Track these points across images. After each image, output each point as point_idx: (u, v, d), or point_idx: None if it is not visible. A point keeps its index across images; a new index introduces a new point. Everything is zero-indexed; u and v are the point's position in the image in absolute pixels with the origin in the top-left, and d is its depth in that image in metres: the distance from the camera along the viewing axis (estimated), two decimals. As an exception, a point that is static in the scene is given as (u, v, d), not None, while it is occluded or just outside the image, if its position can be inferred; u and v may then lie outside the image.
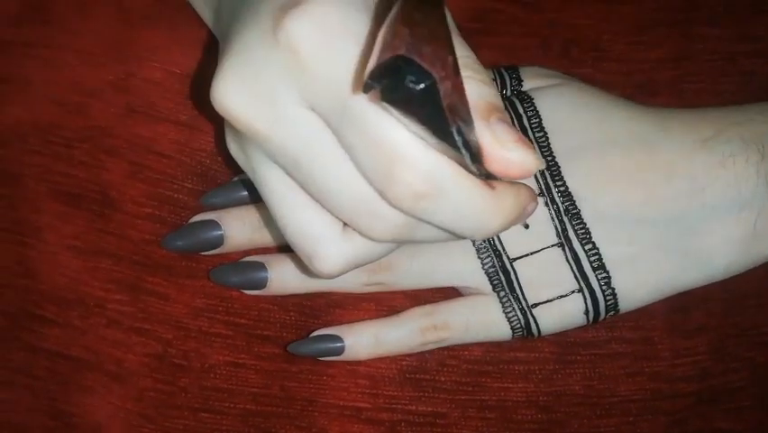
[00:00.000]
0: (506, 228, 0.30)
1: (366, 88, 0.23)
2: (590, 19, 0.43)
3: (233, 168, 0.41)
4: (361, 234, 0.30)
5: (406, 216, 0.29)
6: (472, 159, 0.27)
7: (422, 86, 0.23)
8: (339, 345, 0.39)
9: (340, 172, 0.29)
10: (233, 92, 0.29)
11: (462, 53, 0.29)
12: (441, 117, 0.24)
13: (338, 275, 0.32)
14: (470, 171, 0.28)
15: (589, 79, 0.41)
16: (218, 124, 0.40)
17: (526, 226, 0.38)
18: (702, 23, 0.43)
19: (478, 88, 0.28)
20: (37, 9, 0.41)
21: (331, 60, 0.27)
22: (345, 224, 0.31)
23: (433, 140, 0.27)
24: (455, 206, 0.28)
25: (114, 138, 0.40)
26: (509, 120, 0.29)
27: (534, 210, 0.31)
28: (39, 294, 0.40)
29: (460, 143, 0.26)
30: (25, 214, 0.40)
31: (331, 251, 0.31)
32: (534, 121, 0.38)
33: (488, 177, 0.29)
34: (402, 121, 0.27)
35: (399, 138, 0.27)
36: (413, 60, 0.22)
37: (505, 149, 0.28)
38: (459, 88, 0.25)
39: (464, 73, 0.27)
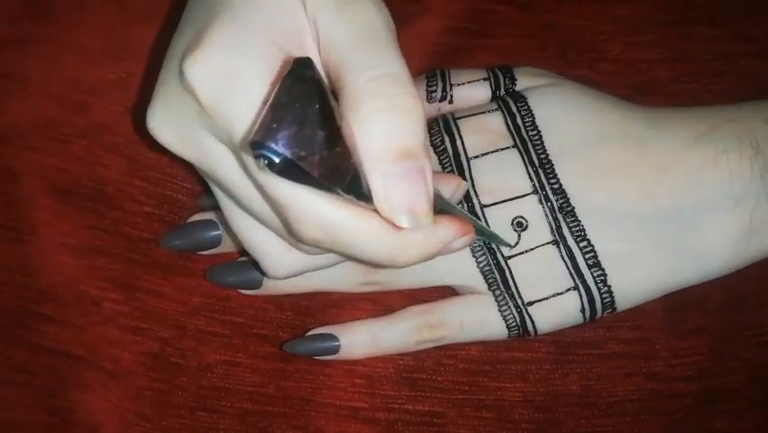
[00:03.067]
0: (424, 260, 0.30)
1: (255, 156, 0.25)
2: (587, 20, 0.43)
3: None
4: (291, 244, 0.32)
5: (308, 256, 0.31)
6: (369, 202, 0.28)
7: (281, 164, 0.24)
8: (335, 344, 0.39)
9: (251, 200, 0.30)
10: (161, 123, 0.31)
11: (377, 72, 0.28)
12: (316, 184, 0.26)
13: (288, 278, 0.34)
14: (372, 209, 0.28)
15: (586, 80, 0.41)
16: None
17: (521, 226, 0.38)
18: (698, 23, 0.43)
19: (383, 125, 0.27)
20: (38, 7, 0.42)
21: (225, 107, 0.28)
22: None
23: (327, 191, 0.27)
24: (357, 248, 0.29)
25: (113, 135, 0.41)
26: (420, 165, 0.27)
27: (465, 243, 0.31)
28: (37, 291, 0.40)
29: (350, 198, 0.27)
30: (23, 211, 0.40)
31: (277, 262, 0.33)
32: (528, 120, 0.39)
33: None
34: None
35: (288, 194, 0.28)
36: (269, 144, 0.24)
37: (392, 213, 0.28)
38: (335, 156, 0.26)
39: (373, 105, 0.27)
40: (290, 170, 0.25)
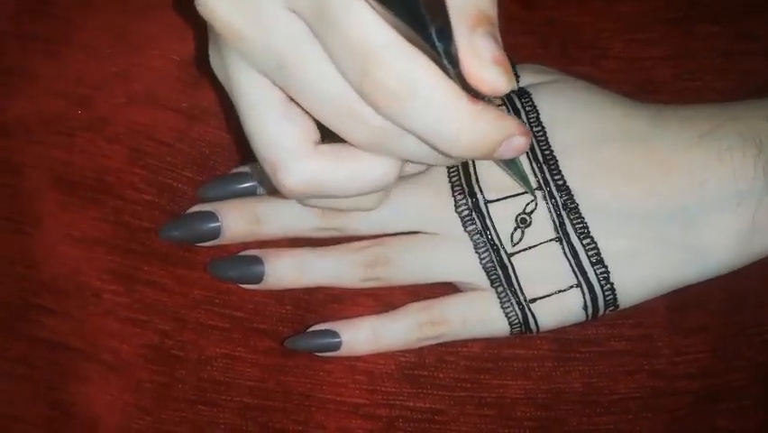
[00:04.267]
0: (485, 149, 0.29)
1: None
2: (589, 17, 0.43)
3: (232, 157, 0.41)
4: (342, 136, 0.30)
5: (385, 121, 0.29)
6: (451, 64, 0.27)
7: None
8: (336, 340, 0.39)
9: (321, 73, 0.29)
10: None
11: None
12: (418, 13, 0.25)
13: (299, 194, 0.32)
14: (452, 78, 0.28)
15: (589, 77, 0.41)
16: (221, 110, 0.41)
17: (525, 222, 0.38)
18: (701, 20, 0.43)
19: None
20: (42, 2, 0.42)
21: None
22: (317, 143, 0.31)
23: (413, 37, 0.27)
24: (429, 109, 0.28)
25: (114, 126, 0.41)
26: (496, 34, 0.28)
27: (522, 147, 0.30)
28: (38, 284, 0.40)
29: (439, 47, 0.26)
30: (26, 203, 0.40)
31: (296, 164, 0.31)
32: (533, 116, 0.39)
33: (472, 91, 0.29)
34: (383, 16, 0.27)
35: (375, 35, 0.27)
36: None
37: (481, 65, 0.27)
38: None
39: None
40: None
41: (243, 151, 0.41)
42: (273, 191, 0.37)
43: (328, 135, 0.31)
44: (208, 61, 0.33)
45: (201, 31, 0.40)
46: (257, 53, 0.30)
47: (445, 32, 0.27)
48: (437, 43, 0.26)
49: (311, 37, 0.28)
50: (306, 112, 0.31)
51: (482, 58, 0.27)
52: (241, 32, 0.29)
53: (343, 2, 0.27)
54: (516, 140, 0.29)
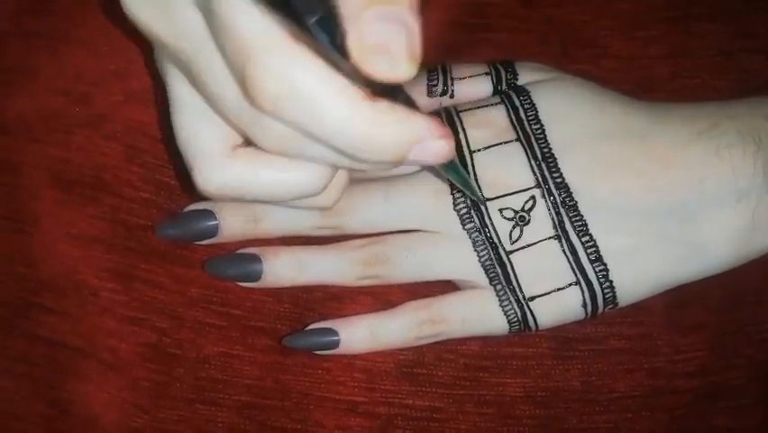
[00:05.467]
0: (393, 153, 0.27)
1: None
2: (588, 15, 0.43)
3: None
4: (251, 140, 0.30)
5: (284, 125, 0.28)
6: (342, 56, 0.25)
7: None
8: (334, 338, 0.39)
9: (221, 74, 0.28)
10: (139, 2, 0.29)
11: None
12: (287, 4, 0.23)
13: (214, 196, 0.31)
14: (348, 75, 0.25)
15: (587, 75, 0.41)
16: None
17: (523, 220, 0.38)
18: (700, 19, 0.43)
19: None
20: (42, 1, 0.42)
21: None
22: (237, 146, 0.31)
23: (299, 33, 0.25)
24: (320, 113, 0.26)
25: (112, 123, 0.40)
26: (400, 15, 0.25)
27: (442, 152, 0.28)
28: (37, 282, 0.40)
29: (321, 39, 0.24)
30: (25, 202, 0.40)
31: (211, 167, 0.31)
32: (531, 113, 0.38)
33: (375, 87, 0.26)
34: (265, 9, 0.25)
35: (254, 32, 0.25)
36: None
37: (365, 52, 0.25)
38: None
39: None
40: None
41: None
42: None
43: None
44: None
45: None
46: (172, 54, 0.30)
47: (329, 22, 0.24)
48: (319, 34, 0.24)
49: (210, 38, 0.28)
50: None
51: (365, 44, 0.25)
52: (155, 33, 0.29)
53: (226, 1, 0.26)
54: (432, 144, 0.27)
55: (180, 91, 0.31)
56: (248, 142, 0.31)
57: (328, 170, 0.31)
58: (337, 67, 0.26)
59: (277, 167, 0.31)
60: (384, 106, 0.27)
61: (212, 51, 0.28)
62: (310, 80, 0.26)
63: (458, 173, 0.33)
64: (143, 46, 0.41)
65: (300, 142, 0.28)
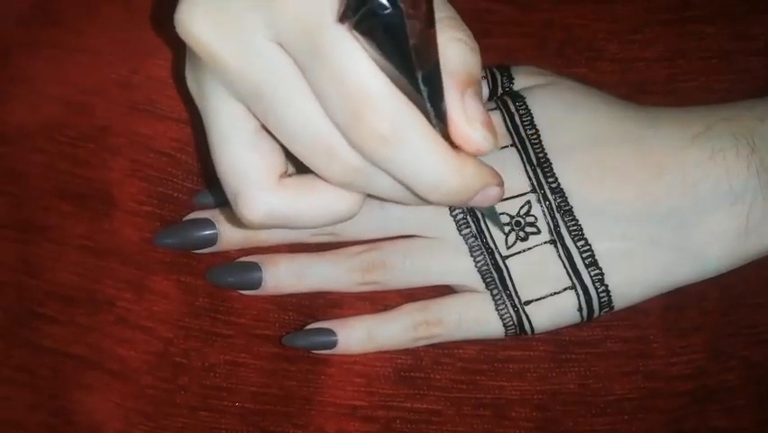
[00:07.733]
0: (463, 197, 0.31)
1: (342, 17, 0.24)
2: (585, 19, 0.43)
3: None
4: (316, 171, 0.31)
5: (364, 162, 0.30)
6: (438, 118, 0.28)
7: (388, 10, 0.24)
8: (332, 338, 0.39)
9: (302, 107, 0.29)
10: (199, 16, 0.29)
11: (448, 14, 0.30)
12: (406, 54, 0.25)
13: (258, 225, 0.32)
14: (435, 127, 0.29)
15: (585, 79, 0.41)
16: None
17: (519, 225, 0.38)
18: (696, 21, 0.43)
19: (461, 54, 0.29)
20: (46, 10, 0.42)
21: None
22: (284, 175, 0.32)
23: (403, 84, 0.27)
24: (415, 156, 0.29)
25: (116, 136, 0.41)
26: (481, 95, 0.30)
27: (496, 197, 0.32)
28: (41, 292, 0.40)
29: (424, 91, 0.27)
30: (30, 212, 0.40)
31: (258, 196, 0.31)
32: (526, 118, 0.39)
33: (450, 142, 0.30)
34: (374, 58, 0.27)
35: (369, 78, 0.27)
36: None
37: (470, 126, 0.29)
38: (428, 37, 0.26)
39: (451, 34, 0.29)
40: (389, 30, 0.24)
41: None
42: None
43: (296, 163, 0.32)
44: (183, 75, 0.33)
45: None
46: (234, 80, 0.30)
47: (432, 81, 0.27)
48: (422, 88, 0.27)
49: (295, 72, 0.29)
50: (276, 143, 0.31)
51: (471, 119, 0.29)
52: (218, 57, 0.29)
53: (338, 44, 0.27)
54: (492, 190, 0.31)
55: (228, 119, 0.31)
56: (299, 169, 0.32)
57: (364, 197, 0.33)
58: (428, 117, 0.29)
59: (324, 196, 0.32)
60: (466, 157, 0.30)
61: (290, 81, 0.29)
62: (420, 129, 0.29)
63: (492, 209, 0.37)
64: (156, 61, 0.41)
65: (372, 176, 0.31)
